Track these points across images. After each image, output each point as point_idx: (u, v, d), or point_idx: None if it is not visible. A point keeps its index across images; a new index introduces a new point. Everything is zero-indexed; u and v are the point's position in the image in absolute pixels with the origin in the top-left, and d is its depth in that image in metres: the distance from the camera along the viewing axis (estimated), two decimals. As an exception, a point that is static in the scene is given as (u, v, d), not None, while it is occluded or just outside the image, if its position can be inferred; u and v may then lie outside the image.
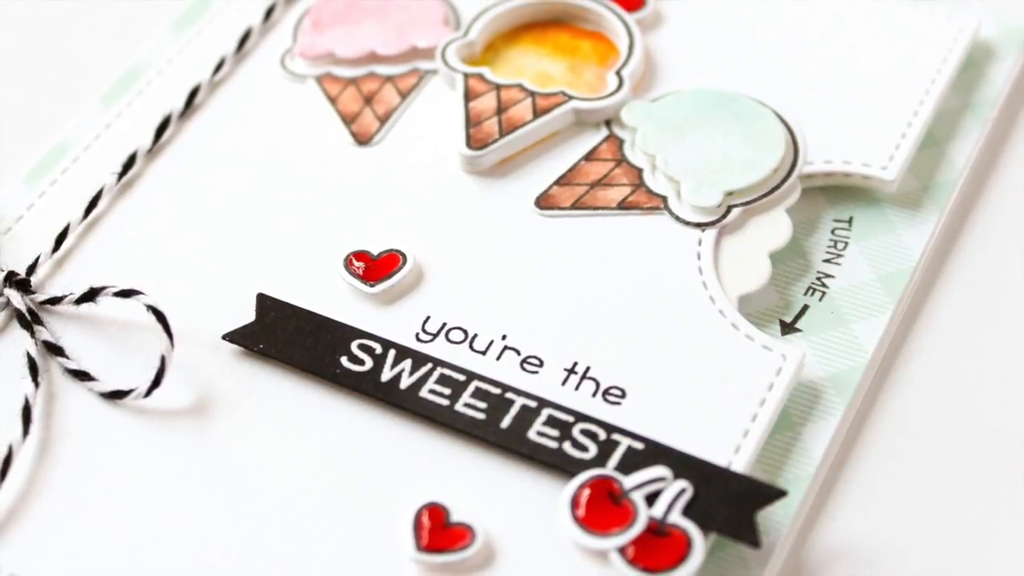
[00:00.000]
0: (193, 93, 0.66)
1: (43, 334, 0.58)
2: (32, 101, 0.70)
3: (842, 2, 0.68)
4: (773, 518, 0.53)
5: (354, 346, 0.57)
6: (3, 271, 0.59)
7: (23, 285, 0.59)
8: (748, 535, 0.52)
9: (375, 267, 0.59)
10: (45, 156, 0.65)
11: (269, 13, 0.69)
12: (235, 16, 0.69)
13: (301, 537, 0.53)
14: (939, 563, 0.54)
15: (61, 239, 0.61)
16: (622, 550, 0.51)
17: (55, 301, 0.59)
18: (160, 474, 0.55)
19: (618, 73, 0.65)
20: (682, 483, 0.53)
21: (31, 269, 0.60)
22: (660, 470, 0.53)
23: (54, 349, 0.58)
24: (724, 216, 0.60)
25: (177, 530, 0.53)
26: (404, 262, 0.59)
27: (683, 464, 0.53)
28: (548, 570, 0.52)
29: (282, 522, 0.53)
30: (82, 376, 0.57)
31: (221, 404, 0.56)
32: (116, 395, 0.56)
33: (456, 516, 0.53)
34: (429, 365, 0.56)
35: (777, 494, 0.53)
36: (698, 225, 0.60)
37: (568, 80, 0.65)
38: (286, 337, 0.57)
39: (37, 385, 0.56)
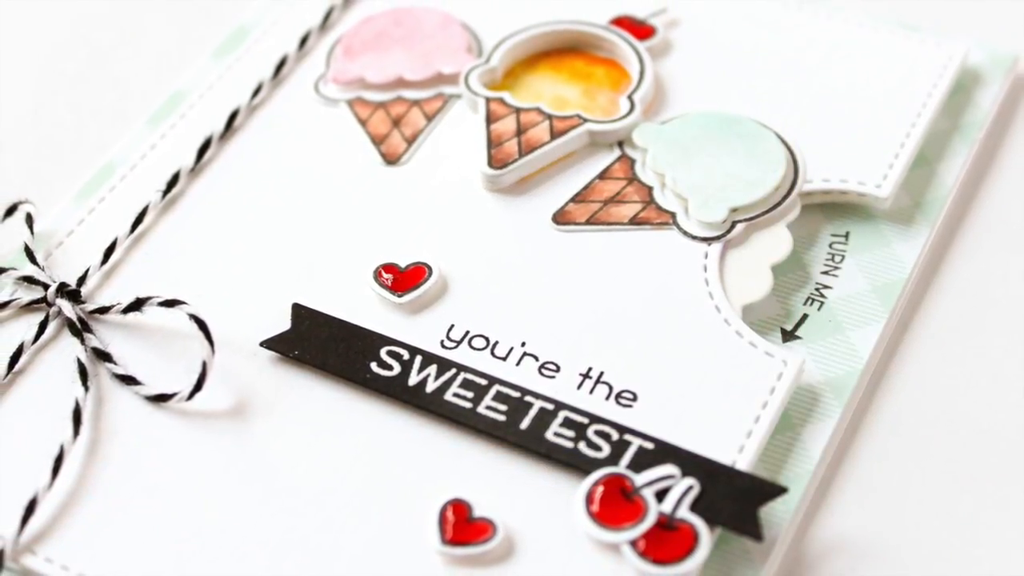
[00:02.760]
0: (232, 116, 0.66)
1: (92, 341, 0.58)
2: (82, 123, 0.70)
3: (839, 31, 0.68)
4: (774, 513, 0.53)
5: (383, 352, 0.57)
6: (55, 282, 0.59)
7: (74, 295, 0.59)
8: (751, 529, 0.52)
9: (403, 279, 0.59)
10: (94, 175, 0.65)
11: (304, 41, 0.69)
12: (272, 44, 0.69)
13: (333, 530, 0.53)
14: (930, 555, 0.54)
15: (109, 252, 0.61)
16: (633, 543, 0.51)
17: (104, 310, 0.59)
18: (201, 472, 0.55)
19: (630, 97, 0.65)
20: (690, 480, 0.53)
21: (81, 280, 0.60)
22: (669, 468, 0.53)
23: (103, 355, 0.58)
24: (729, 231, 0.60)
25: (217, 524, 0.53)
26: (430, 274, 0.59)
27: (691, 463, 0.53)
28: (564, 562, 0.52)
29: (315, 517, 0.53)
30: (129, 381, 0.57)
31: (258, 407, 0.56)
32: (161, 398, 0.56)
33: (478, 511, 0.53)
34: (453, 370, 0.56)
35: (778, 491, 0.53)
36: (705, 239, 0.60)
37: (583, 104, 0.65)
38: (319, 344, 0.57)
39: (87, 389, 0.56)
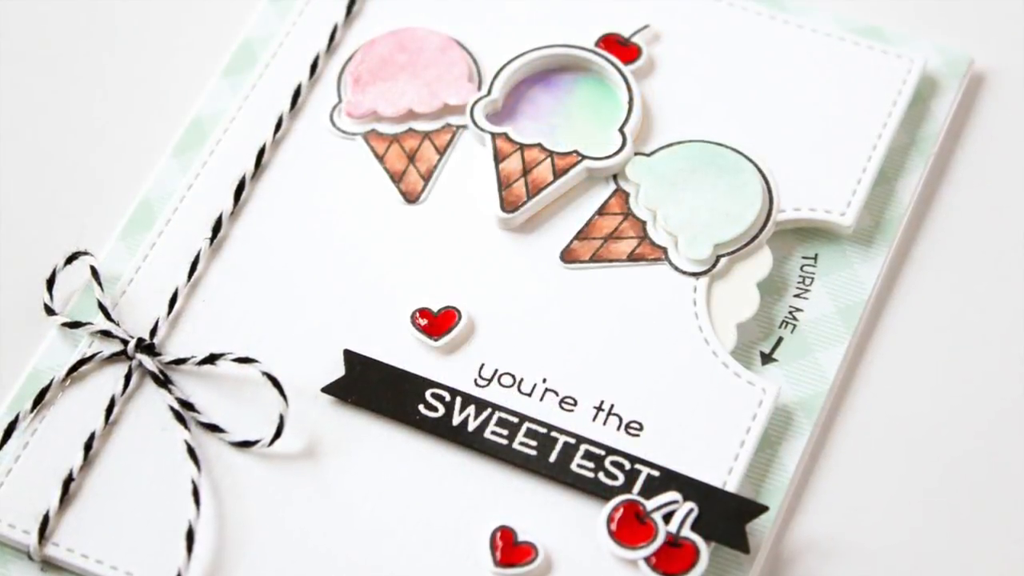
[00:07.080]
0: (260, 153, 0.67)
1: (176, 392, 0.62)
2: (107, 156, 0.69)
3: (808, 43, 0.68)
4: (758, 523, 0.59)
5: (428, 395, 0.61)
6: (133, 338, 0.63)
7: (150, 350, 0.63)
8: (740, 544, 0.59)
9: (437, 323, 0.63)
10: (135, 212, 0.66)
11: (314, 67, 0.69)
12: (283, 68, 0.69)
13: (401, 558, 0.59)
14: (889, 553, 0.59)
15: (172, 302, 0.64)
16: (647, 559, 0.59)
17: (180, 362, 0.62)
18: (279, 508, 0.60)
19: (621, 131, 0.66)
20: (690, 504, 0.59)
21: (153, 332, 0.63)
22: (673, 495, 0.59)
23: (186, 405, 0.62)
24: (714, 266, 0.64)
25: (298, 551, 0.59)
26: (460, 318, 0.63)
27: (689, 487, 0.59)
28: (593, 576, 0.59)
29: (383, 545, 0.59)
30: (213, 428, 0.61)
31: (326, 448, 0.61)
32: (244, 444, 0.61)
33: (521, 536, 0.59)
34: (489, 410, 0.61)
35: (761, 509, 0.59)
36: (693, 274, 0.64)
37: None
38: (371, 388, 0.61)
39: (188, 430, 0.61)
